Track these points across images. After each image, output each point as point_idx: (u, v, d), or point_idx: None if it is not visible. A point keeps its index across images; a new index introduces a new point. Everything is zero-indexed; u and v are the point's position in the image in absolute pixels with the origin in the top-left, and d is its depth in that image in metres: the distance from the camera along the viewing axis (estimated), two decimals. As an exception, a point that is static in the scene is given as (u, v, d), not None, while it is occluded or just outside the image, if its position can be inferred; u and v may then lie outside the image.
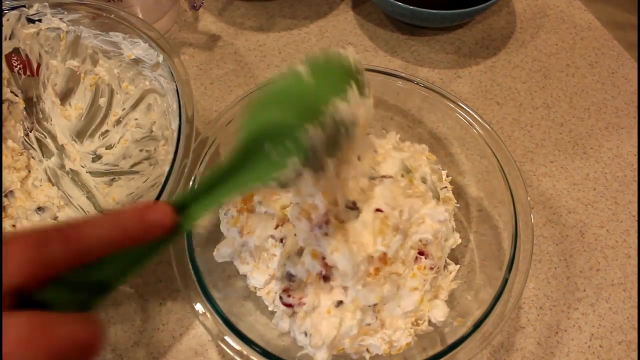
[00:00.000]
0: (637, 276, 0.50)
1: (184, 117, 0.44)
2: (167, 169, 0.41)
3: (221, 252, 0.44)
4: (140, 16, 0.60)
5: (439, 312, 0.42)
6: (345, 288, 0.40)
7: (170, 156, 0.42)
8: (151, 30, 0.48)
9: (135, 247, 0.26)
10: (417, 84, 0.50)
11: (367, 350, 0.42)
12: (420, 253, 0.42)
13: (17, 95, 0.53)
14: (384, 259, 0.40)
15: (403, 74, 0.51)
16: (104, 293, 0.26)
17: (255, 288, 0.44)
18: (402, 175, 0.43)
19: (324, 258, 0.40)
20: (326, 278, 0.40)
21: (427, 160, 0.47)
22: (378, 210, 0.40)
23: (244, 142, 0.30)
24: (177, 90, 0.45)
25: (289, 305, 0.40)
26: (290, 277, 0.41)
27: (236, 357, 0.39)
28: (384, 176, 0.42)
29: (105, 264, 0.25)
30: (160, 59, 0.47)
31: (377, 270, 0.40)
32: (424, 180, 0.45)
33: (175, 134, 0.43)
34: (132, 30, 0.48)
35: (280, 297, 0.41)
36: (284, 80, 0.31)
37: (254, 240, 0.42)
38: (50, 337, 0.22)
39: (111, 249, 0.25)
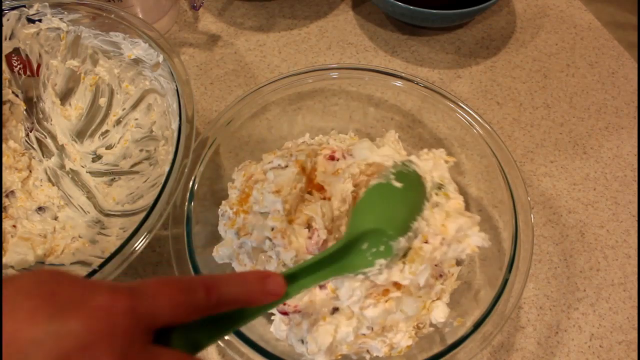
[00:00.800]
0: (637, 276, 0.50)
1: (184, 117, 0.44)
2: (167, 169, 0.41)
3: (220, 254, 0.44)
4: (140, 16, 0.60)
5: (439, 312, 0.41)
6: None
7: (170, 156, 0.42)
8: (151, 30, 0.48)
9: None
10: (417, 84, 0.50)
11: (367, 351, 0.42)
12: None
13: (17, 96, 0.53)
14: (397, 284, 0.40)
15: (403, 74, 0.51)
16: (214, 339, 0.29)
17: None
18: (437, 194, 0.43)
19: None
20: (322, 286, 0.40)
21: (445, 164, 0.46)
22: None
23: (349, 237, 0.37)
24: (177, 90, 0.45)
25: (284, 313, 0.40)
26: None
27: (236, 357, 0.39)
28: None
29: (222, 316, 0.29)
30: (160, 59, 0.47)
31: (387, 291, 0.40)
32: (455, 189, 0.45)
33: (175, 134, 0.43)
34: (132, 30, 0.48)
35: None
36: (386, 186, 0.39)
37: (251, 242, 0.42)
38: None
39: (236, 305, 0.29)
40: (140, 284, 0.25)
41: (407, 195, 0.40)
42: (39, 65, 0.52)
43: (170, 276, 0.28)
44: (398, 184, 0.40)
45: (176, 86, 0.45)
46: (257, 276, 0.30)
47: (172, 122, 0.46)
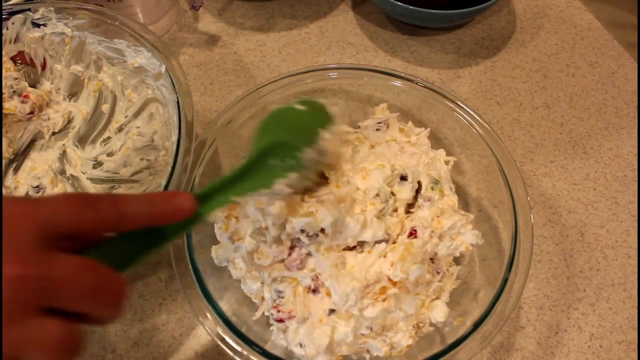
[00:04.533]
0: (637, 276, 0.50)
1: (183, 132, 0.43)
2: (164, 182, 0.41)
3: (219, 257, 0.44)
4: (140, 16, 0.60)
5: (439, 312, 0.41)
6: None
7: (169, 168, 0.42)
8: (154, 38, 0.48)
9: (159, 227, 0.31)
10: (417, 84, 0.50)
11: (367, 351, 0.42)
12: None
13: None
14: (393, 280, 0.40)
15: (403, 74, 0.51)
16: (129, 262, 0.30)
17: (251, 294, 0.44)
18: (432, 189, 0.44)
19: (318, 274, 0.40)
20: (315, 291, 0.40)
21: (445, 165, 0.47)
22: (411, 232, 0.41)
23: (254, 154, 0.36)
24: (177, 102, 0.44)
25: (280, 321, 0.40)
26: (279, 293, 0.41)
27: (236, 358, 0.39)
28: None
29: (135, 236, 0.30)
30: (163, 69, 0.47)
31: (384, 289, 0.40)
32: (450, 188, 0.46)
33: (174, 147, 0.42)
34: (136, 38, 0.48)
35: (271, 314, 0.41)
36: (288, 109, 0.40)
37: (245, 246, 0.41)
38: (98, 274, 0.26)
39: (144, 223, 0.29)
40: (43, 196, 0.26)
41: (310, 114, 0.40)
42: (43, 68, 0.52)
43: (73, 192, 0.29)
44: (301, 107, 0.40)
45: (177, 98, 0.45)
46: (165, 195, 0.31)
47: (173, 134, 0.45)
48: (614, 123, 0.60)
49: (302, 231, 0.39)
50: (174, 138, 0.43)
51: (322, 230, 0.39)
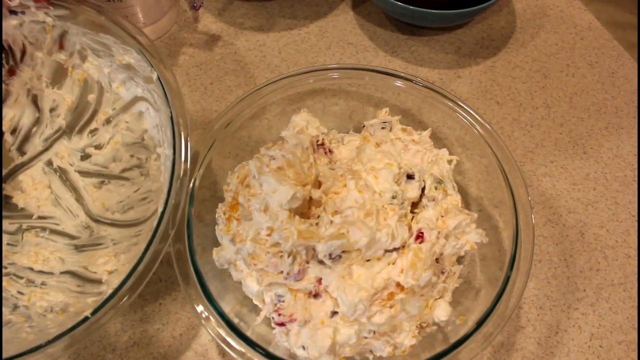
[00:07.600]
0: (637, 276, 0.50)
1: (177, 150, 0.42)
2: (160, 209, 0.40)
3: (220, 259, 0.44)
4: (140, 16, 0.60)
5: (441, 311, 0.41)
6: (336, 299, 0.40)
7: (164, 196, 0.40)
8: (148, 43, 0.46)
9: None
10: (417, 84, 0.50)
11: (371, 351, 0.42)
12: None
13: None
14: (401, 285, 0.40)
15: (403, 74, 0.51)
16: None
17: (252, 296, 0.44)
18: (436, 188, 0.44)
19: (319, 280, 0.40)
20: (317, 295, 0.40)
21: (448, 164, 0.47)
22: (418, 235, 0.41)
23: None
24: (171, 117, 0.42)
25: (281, 324, 0.40)
26: (279, 297, 0.41)
27: (238, 358, 0.39)
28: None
29: None
30: (154, 76, 0.45)
31: (391, 295, 0.40)
32: (453, 187, 0.46)
33: (169, 173, 0.41)
34: (125, 38, 0.46)
35: (273, 318, 0.41)
36: None
37: (247, 249, 0.41)
38: None
39: None
40: None
41: None
42: (22, 57, 0.50)
43: None
44: None
45: (170, 112, 0.43)
46: None
47: (166, 146, 0.44)
48: (614, 123, 0.60)
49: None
50: (168, 152, 0.42)
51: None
